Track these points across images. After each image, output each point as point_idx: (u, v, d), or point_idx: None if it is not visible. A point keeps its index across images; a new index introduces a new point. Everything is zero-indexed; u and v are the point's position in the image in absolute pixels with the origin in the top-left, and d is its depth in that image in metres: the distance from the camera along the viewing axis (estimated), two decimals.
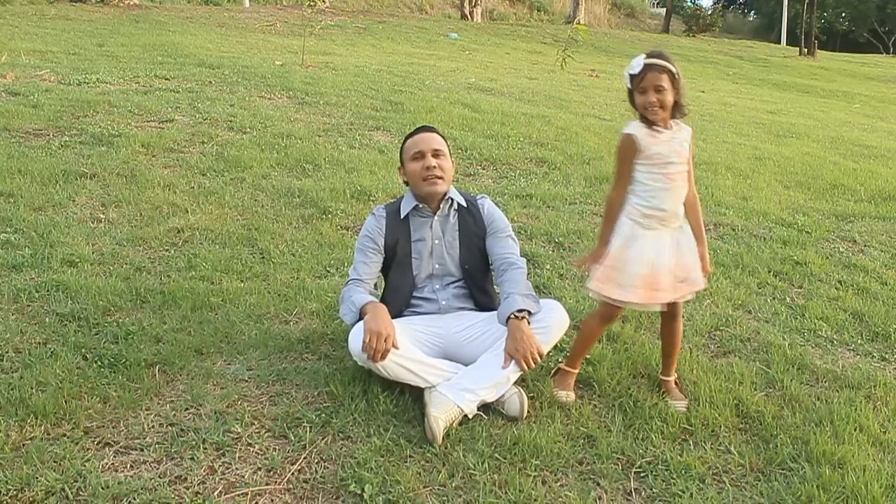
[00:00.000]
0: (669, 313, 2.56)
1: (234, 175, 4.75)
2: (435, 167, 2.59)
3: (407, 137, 2.70)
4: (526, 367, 2.37)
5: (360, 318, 2.43)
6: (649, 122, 2.38)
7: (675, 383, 2.63)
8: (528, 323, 2.44)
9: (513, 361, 2.36)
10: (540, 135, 6.56)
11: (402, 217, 2.65)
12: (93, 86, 6.94)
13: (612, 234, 2.43)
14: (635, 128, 2.39)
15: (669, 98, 2.35)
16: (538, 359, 2.38)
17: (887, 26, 39.74)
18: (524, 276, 2.61)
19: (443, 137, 2.69)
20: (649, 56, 2.35)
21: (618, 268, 2.40)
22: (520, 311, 2.43)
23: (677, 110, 2.41)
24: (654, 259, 2.38)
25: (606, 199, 2.46)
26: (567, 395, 2.53)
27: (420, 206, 2.66)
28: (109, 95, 6.50)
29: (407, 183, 2.71)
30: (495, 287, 2.75)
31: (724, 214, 4.80)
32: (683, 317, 3.18)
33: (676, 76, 2.37)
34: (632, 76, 2.36)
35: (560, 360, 2.74)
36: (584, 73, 12.78)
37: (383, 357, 2.32)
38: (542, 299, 2.57)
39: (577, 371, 2.60)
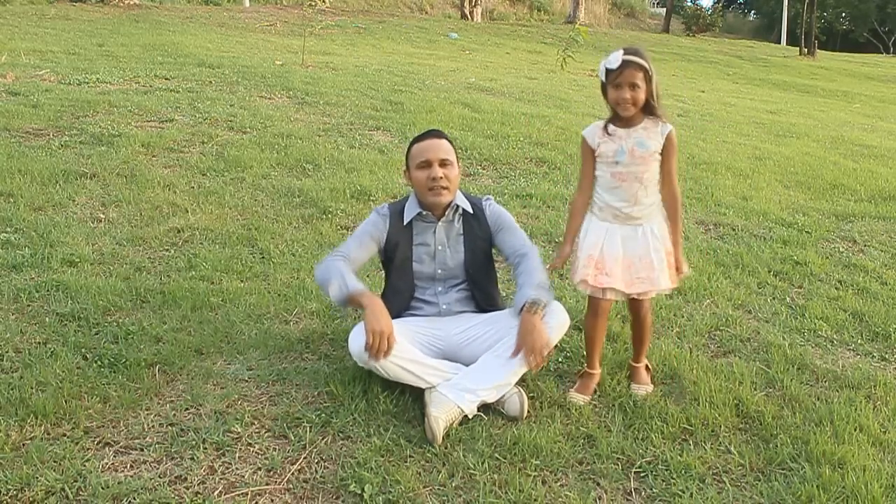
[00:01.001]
0: (633, 310, 2.61)
1: (234, 175, 4.75)
2: (441, 178, 2.52)
3: (414, 141, 2.62)
4: (533, 363, 2.36)
5: (348, 301, 2.43)
6: (616, 118, 2.46)
7: (646, 369, 2.69)
8: (542, 317, 2.41)
9: (520, 356, 2.35)
10: (540, 135, 6.56)
11: (405, 223, 2.62)
12: (93, 86, 6.94)
13: (577, 231, 2.53)
14: (590, 130, 2.51)
15: (642, 96, 2.39)
16: (544, 354, 2.36)
17: (887, 26, 39.71)
18: (539, 263, 2.58)
19: (450, 142, 2.63)
20: (627, 52, 2.37)
21: (578, 255, 2.51)
22: (533, 303, 2.41)
23: (649, 109, 2.43)
24: (602, 245, 2.46)
25: (571, 201, 2.54)
26: (582, 398, 2.52)
27: (424, 212, 2.62)
28: (109, 95, 6.50)
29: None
30: (510, 279, 2.73)
31: (724, 214, 4.80)
32: (683, 317, 3.20)
33: (651, 74, 2.40)
34: (608, 70, 2.39)
35: (560, 359, 2.75)
36: (584, 73, 12.77)
37: (386, 355, 2.32)
38: None
39: (597, 372, 2.61)
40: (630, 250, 2.45)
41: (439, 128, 2.80)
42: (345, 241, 2.65)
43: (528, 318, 2.38)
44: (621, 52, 2.37)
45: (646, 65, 2.37)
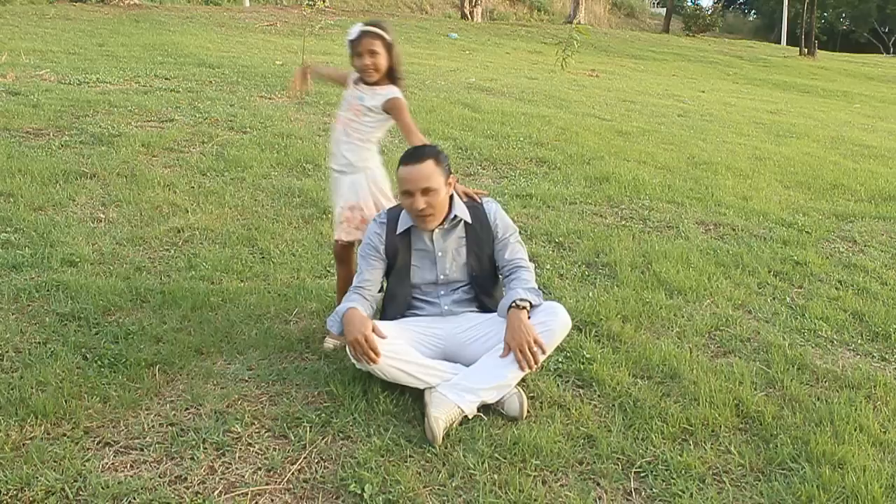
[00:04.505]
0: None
1: (234, 175, 4.75)
2: (424, 208, 2.46)
3: (399, 163, 2.52)
4: (523, 358, 2.34)
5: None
6: (367, 84, 2.70)
7: None
8: (529, 315, 2.42)
9: (511, 355, 2.35)
10: (540, 135, 6.56)
11: (398, 232, 2.58)
12: (93, 85, 6.94)
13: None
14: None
15: (383, 62, 2.64)
16: (535, 350, 2.36)
17: (887, 26, 39.74)
18: (531, 276, 2.59)
19: (436, 159, 2.49)
20: (366, 24, 2.64)
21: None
22: (521, 300, 2.42)
23: (392, 76, 2.69)
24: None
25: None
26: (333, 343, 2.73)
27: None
28: (109, 95, 6.50)
29: None
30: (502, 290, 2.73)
31: (724, 214, 4.80)
32: (683, 317, 3.21)
33: (390, 43, 2.64)
34: (350, 41, 2.64)
35: (560, 359, 2.74)
36: (584, 73, 12.78)
37: (377, 353, 2.31)
38: (545, 302, 2.54)
39: None
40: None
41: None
42: (358, 269, 2.64)
43: (515, 315, 2.40)
44: (361, 24, 2.62)
45: (384, 34, 2.60)
